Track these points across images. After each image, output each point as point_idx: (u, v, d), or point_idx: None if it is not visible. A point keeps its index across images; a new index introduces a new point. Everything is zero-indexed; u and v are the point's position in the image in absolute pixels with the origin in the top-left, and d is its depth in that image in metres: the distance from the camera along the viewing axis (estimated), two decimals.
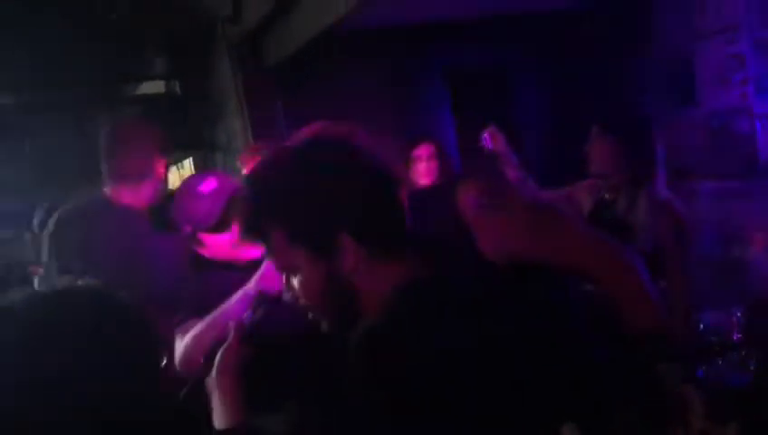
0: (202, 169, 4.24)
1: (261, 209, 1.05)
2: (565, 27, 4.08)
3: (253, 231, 1.07)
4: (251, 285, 1.60)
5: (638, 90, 4.24)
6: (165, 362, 1.62)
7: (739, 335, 2.92)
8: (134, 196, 2.39)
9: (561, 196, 2.75)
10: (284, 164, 1.06)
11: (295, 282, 1.06)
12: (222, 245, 1.80)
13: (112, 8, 3.64)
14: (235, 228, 1.78)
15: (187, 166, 4.47)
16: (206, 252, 1.83)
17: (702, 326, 2.90)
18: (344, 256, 1.01)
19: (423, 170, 3.17)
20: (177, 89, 4.22)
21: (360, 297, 1.05)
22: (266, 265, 1.60)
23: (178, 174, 4.44)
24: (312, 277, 1.03)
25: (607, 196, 2.44)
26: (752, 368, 2.70)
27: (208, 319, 1.65)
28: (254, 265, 1.76)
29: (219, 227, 1.76)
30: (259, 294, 1.52)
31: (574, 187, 2.73)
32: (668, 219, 2.24)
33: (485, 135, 2.87)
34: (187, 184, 1.90)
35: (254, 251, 1.78)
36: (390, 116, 4.03)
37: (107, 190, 2.44)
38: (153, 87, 4.29)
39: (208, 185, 1.81)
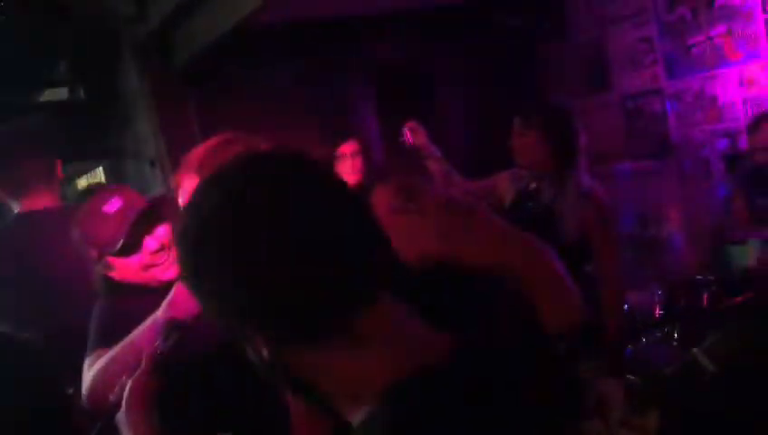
0: (113, 179, 4.01)
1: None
2: (482, 18, 4.08)
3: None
4: (160, 312, 1.47)
5: (554, 76, 4.31)
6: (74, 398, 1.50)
7: (661, 312, 3.01)
8: (51, 198, 2.23)
9: (485, 186, 2.74)
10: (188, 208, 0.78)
11: None
12: (132, 267, 1.67)
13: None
14: (145, 249, 1.65)
15: (99, 175, 4.24)
16: (115, 275, 1.70)
17: (626, 307, 2.97)
18: (255, 344, 0.75)
19: (348, 168, 3.11)
20: (82, 94, 3.97)
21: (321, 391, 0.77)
22: (176, 289, 1.48)
23: (87, 184, 4.20)
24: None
25: (531, 185, 2.43)
26: (675, 343, 2.78)
27: (115, 350, 1.51)
28: (170, 286, 1.65)
29: (127, 249, 1.63)
30: (169, 322, 1.42)
31: (497, 177, 2.71)
32: (594, 207, 2.26)
33: (406, 130, 2.82)
34: (91, 205, 1.73)
35: (169, 272, 1.66)
36: (312, 114, 3.93)
37: (17, 203, 2.23)
38: (55, 94, 4.03)
39: (113, 205, 1.64)
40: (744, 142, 3.72)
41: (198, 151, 1.46)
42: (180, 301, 1.44)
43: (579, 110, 4.33)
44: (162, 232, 1.66)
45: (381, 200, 1.16)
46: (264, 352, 0.74)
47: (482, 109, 4.07)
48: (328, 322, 0.73)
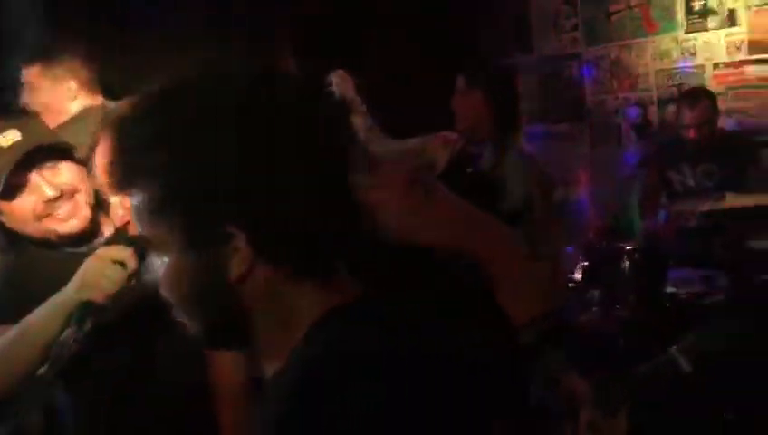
0: None
1: (126, 157, 0.74)
2: None
3: (119, 183, 0.76)
4: (69, 290, 1.20)
5: (482, 33, 4.23)
6: None
7: (579, 275, 3.10)
8: None
9: (413, 147, 2.61)
10: (162, 101, 0.74)
11: (159, 263, 0.77)
12: (22, 213, 1.33)
13: None
14: (35, 191, 1.33)
15: None
16: (6, 222, 1.37)
17: None
18: (231, 258, 0.71)
19: None
20: None
21: (253, 317, 0.77)
22: (89, 264, 1.21)
23: None
24: (180, 266, 0.74)
25: (469, 150, 2.33)
26: (594, 308, 2.88)
27: (6, 337, 1.24)
28: (79, 239, 1.38)
29: (10, 189, 1.30)
30: (83, 304, 1.16)
31: (426, 139, 2.57)
32: (537, 175, 2.22)
33: (332, 79, 2.62)
34: None
35: (67, 225, 1.36)
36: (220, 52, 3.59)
37: None
38: None
39: (8, 136, 1.31)
40: (654, 113, 3.87)
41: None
42: (94, 278, 1.19)
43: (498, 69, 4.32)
44: (61, 173, 1.36)
45: None
46: (238, 266, 0.71)
47: (411, 64, 3.90)
48: (334, 256, 0.76)
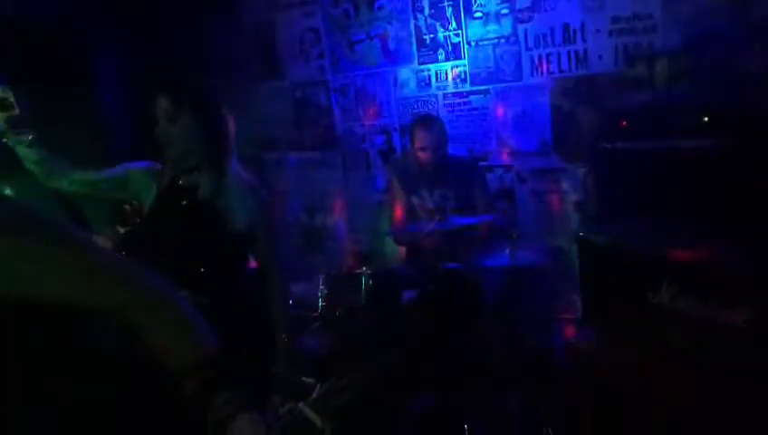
0: None
1: None
2: None
3: None
4: None
5: (221, 59, 4.08)
6: None
7: (323, 304, 3.06)
8: None
9: (115, 177, 2.29)
10: None
11: None
12: None
13: None
14: None
15: None
16: None
17: (291, 300, 2.95)
18: None
19: None
20: None
21: None
22: None
23: None
24: None
25: (180, 180, 2.15)
26: (331, 337, 2.84)
27: None
28: None
29: None
30: None
31: (129, 168, 2.28)
32: (257, 199, 2.11)
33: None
34: None
35: None
36: None
37: None
38: None
39: None
40: (397, 139, 4.02)
41: None
42: None
43: (246, 95, 4.23)
44: None
45: None
46: None
47: (139, 83, 3.63)
48: None
